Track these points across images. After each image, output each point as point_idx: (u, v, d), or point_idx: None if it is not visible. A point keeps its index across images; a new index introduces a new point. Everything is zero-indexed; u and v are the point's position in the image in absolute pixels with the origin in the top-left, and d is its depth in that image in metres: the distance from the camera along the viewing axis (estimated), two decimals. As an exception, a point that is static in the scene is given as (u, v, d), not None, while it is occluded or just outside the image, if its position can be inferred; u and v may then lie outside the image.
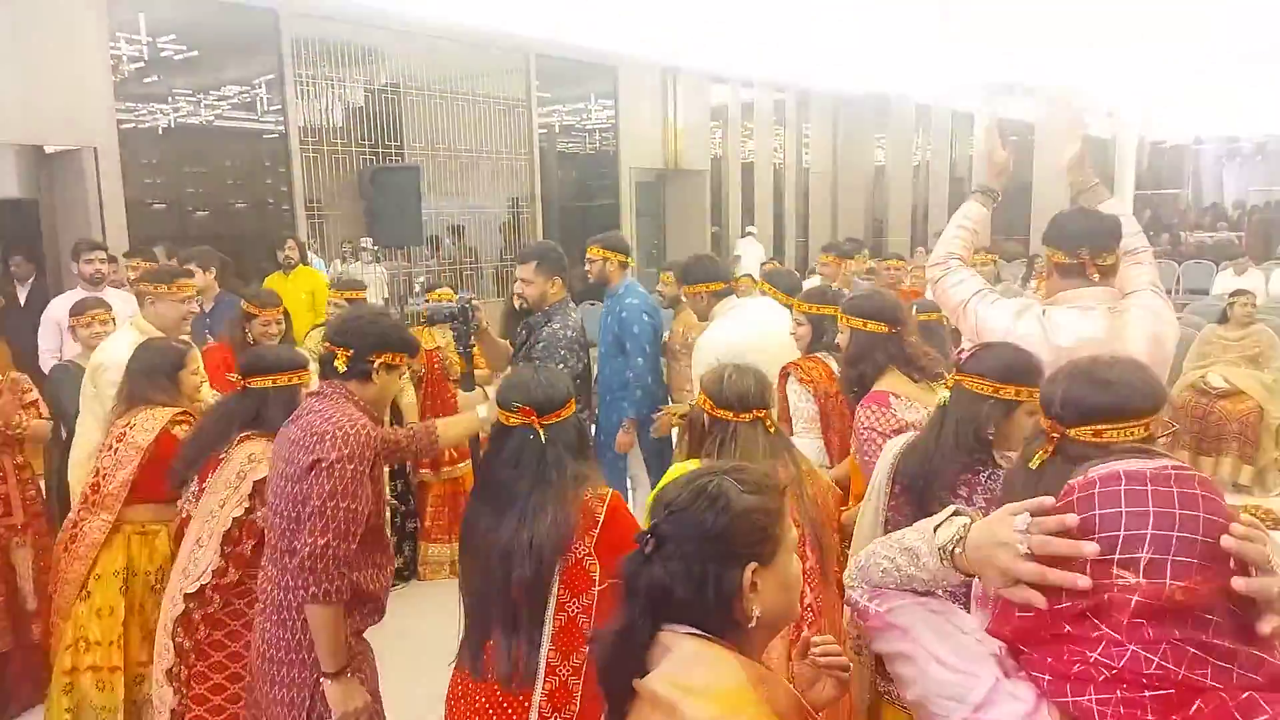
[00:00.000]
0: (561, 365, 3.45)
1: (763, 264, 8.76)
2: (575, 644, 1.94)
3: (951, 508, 1.18)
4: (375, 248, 8.39)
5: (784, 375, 3.06)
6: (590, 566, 1.96)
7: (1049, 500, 1.02)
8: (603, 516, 1.99)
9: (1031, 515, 1.01)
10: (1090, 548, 0.94)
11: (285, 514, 2.05)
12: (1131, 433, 1.49)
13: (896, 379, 2.67)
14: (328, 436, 2.02)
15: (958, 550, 1.09)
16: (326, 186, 8.22)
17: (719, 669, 1.14)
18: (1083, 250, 2.29)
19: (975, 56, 11.22)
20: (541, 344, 3.53)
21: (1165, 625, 0.93)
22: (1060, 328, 2.24)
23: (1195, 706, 0.92)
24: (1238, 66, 13.25)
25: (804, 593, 2.07)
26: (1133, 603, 0.94)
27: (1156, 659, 0.93)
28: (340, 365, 2.16)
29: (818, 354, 3.11)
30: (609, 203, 11.32)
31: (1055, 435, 1.52)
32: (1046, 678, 1.00)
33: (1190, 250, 13.96)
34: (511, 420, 2.03)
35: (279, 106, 7.99)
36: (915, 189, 15.75)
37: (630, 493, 4.41)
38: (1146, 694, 0.93)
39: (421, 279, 8.25)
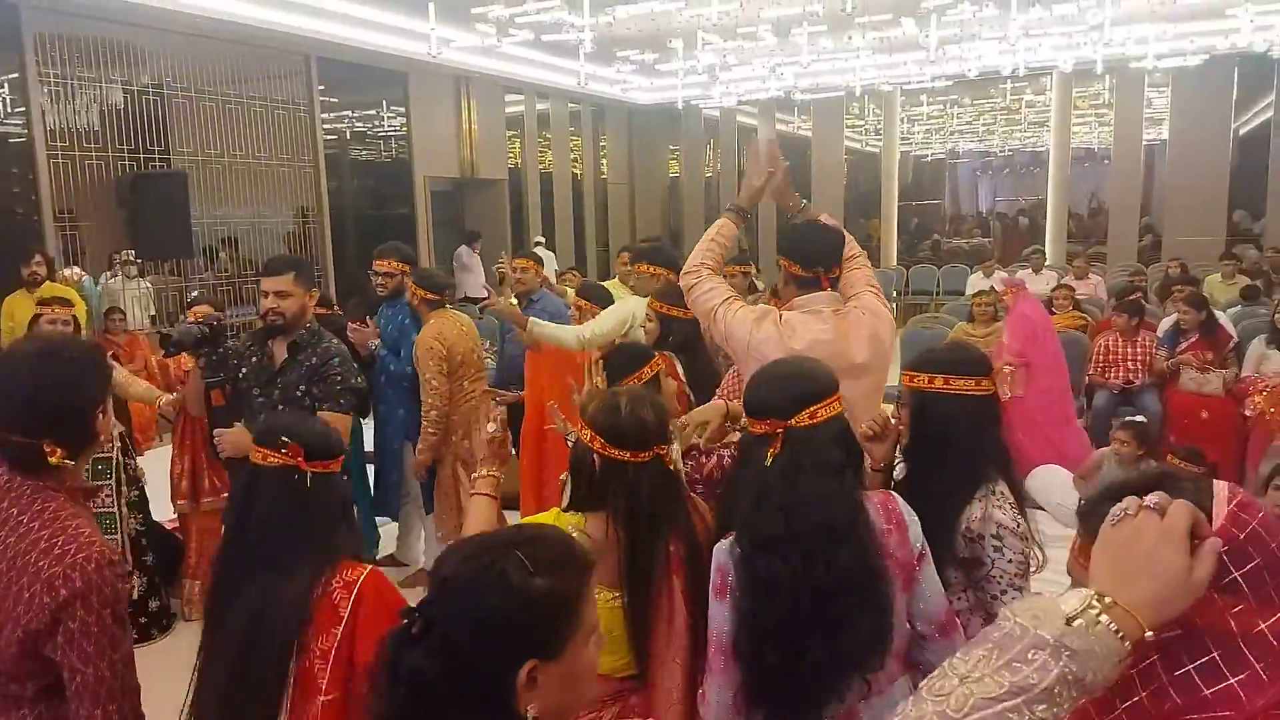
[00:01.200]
0: (358, 381, 3.25)
1: (559, 273, 8.82)
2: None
3: (1036, 598, 0.86)
4: (139, 260, 7.76)
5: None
6: (320, 673, 1.67)
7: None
8: (348, 610, 1.68)
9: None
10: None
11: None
12: (834, 408, 1.67)
13: None
14: (59, 579, 1.45)
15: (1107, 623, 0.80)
16: (80, 195, 7.52)
17: None
18: (818, 268, 2.47)
19: (755, 72, 11.84)
20: (337, 360, 3.15)
21: None
22: (795, 331, 2.41)
23: None
24: (983, 89, 14.74)
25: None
26: None
27: None
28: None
29: (665, 353, 3.21)
30: (404, 212, 11.04)
31: (779, 430, 1.64)
32: None
33: (948, 255, 15.33)
34: (271, 460, 1.76)
35: (23, 109, 7.25)
36: (707, 199, 16.40)
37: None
38: None
39: (195, 294, 7.70)
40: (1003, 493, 1.88)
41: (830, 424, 1.64)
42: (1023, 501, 1.98)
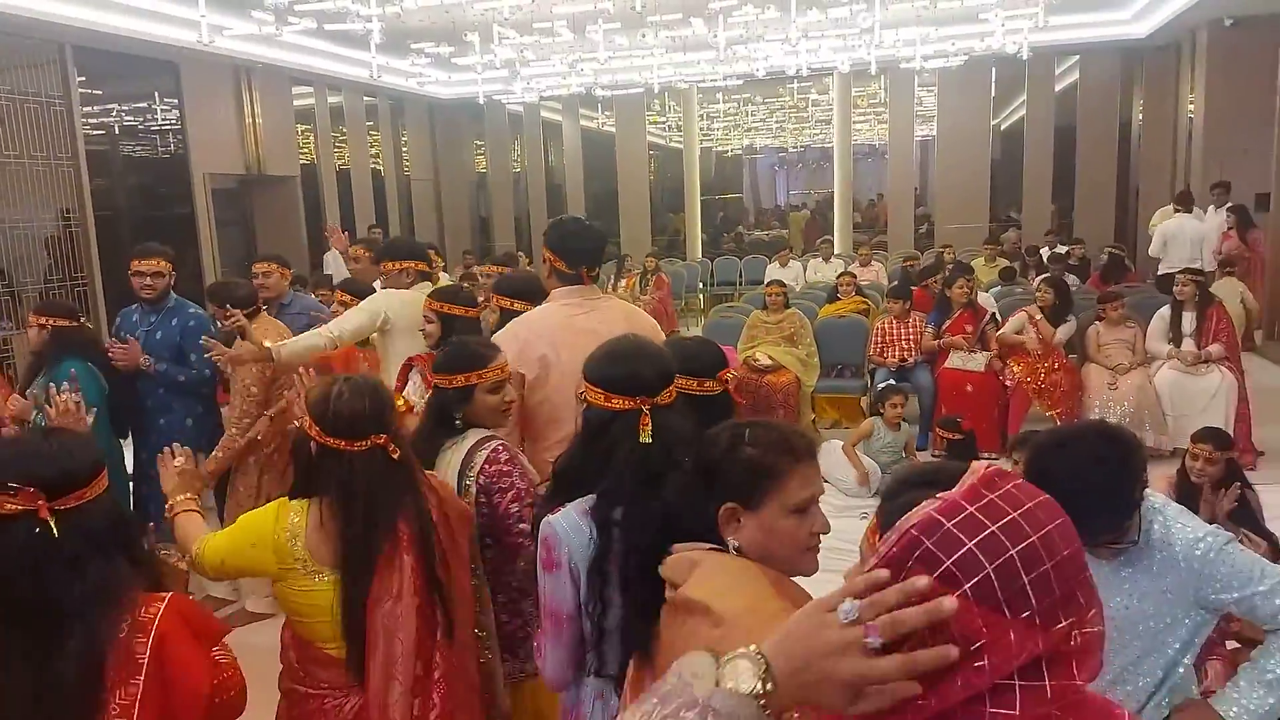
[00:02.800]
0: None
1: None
2: None
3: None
4: None
5: (407, 367, 3.06)
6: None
7: (879, 574, 0.80)
8: (148, 654, 1.45)
9: (856, 597, 0.79)
10: (949, 603, 0.76)
11: None
12: (706, 385, 1.94)
13: None
14: None
15: (768, 690, 0.79)
16: None
17: (744, 574, 1.30)
18: (582, 266, 2.68)
19: (555, 68, 11.86)
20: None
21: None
22: (570, 318, 2.62)
23: None
24: (773, 88, 15.45)
25: (434, 661, 1.87)
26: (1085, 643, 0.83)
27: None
28: None
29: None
30: (184, 212, 10.26)
31: (646, 406, 1.72)
32: None
33: (750, 247, 15.98)
34: (7, 508, 1.43)
35: None
36: (515, 195, 16.29)
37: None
38: None
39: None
40: None
41: (678, 399, 1.81)
42: None
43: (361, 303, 3.79)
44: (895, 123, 14.33)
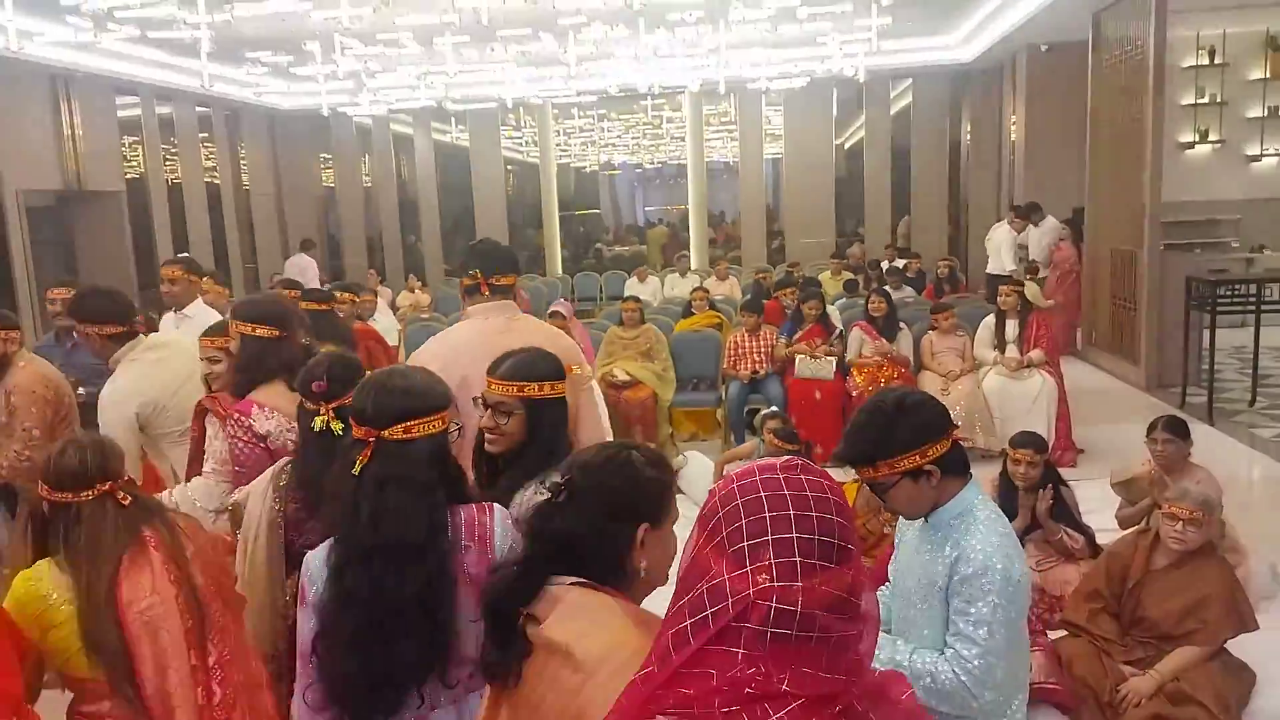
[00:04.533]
0: None
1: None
2: None
3: None
4: None
5: (201, 410, 2.83)
6: None
7: None
8: None
9: None
10: None
11: None
12: (434, 425, 1.75)
13: (274, 390, 2.74)
14: None
15: None
16: None
17: (605, 613, 1.32)
18: (511, 275, 2.80)
19: (403, 80, 11.58)
20: None
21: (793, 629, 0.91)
22: (490, 336, 2.61)
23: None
24: (628, 105, 15.62)
25: (206, 650, 1.95)
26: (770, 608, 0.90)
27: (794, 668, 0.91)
28: None
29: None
30: (-7, 231, 9.40)
31: (371, 439, 1.72)
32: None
33: (610, 263, 16.06)
34: None
35: None
36: (367, 210, 15.77)
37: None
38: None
39: None
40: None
41: (426, 441, 1.72)
42: None
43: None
44: (745, 141, 14.75)
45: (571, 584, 1.36)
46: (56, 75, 9.82)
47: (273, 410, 2.67)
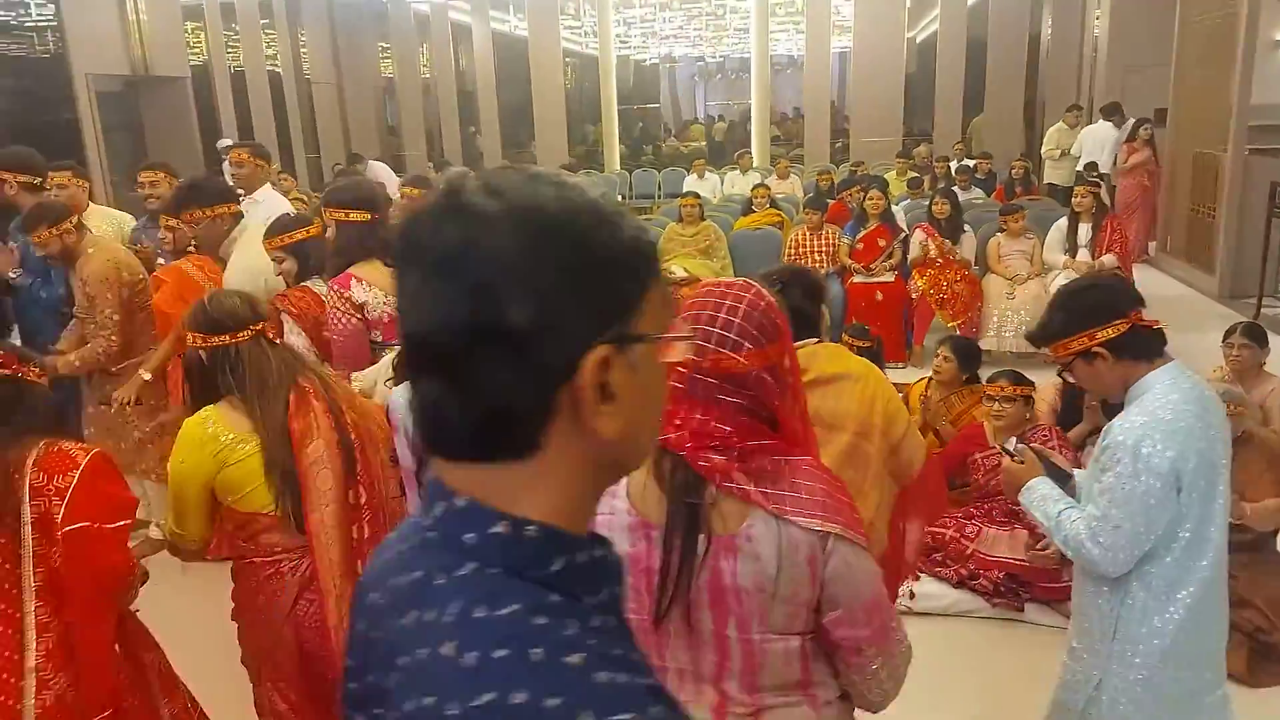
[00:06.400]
0: None
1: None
2: (64, 599, 1.75)
3: None
4: None
5: (274, 309, 2.95)
6: (55, 509, 1.74)
7: None
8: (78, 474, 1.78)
9: None
10: None
11: None
12: None
13: (372, 266, 2.87)
14: None
15: None
16: None
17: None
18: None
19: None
20: None
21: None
22: None
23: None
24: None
25: (358, 493, 2.10)
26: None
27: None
28: None
29: (307, 283, 3.05)
30: (67, 117, 9.58)
31: None
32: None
33: (668, 159, 15.83)
34: None
35: None
36: (426, 103, 15.67)
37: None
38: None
39: None
40: None
41: None
42: None
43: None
44: (812, 33, 14.20)
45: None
46: (118, -43, 9.81)
47: (370, 284, 2.83)
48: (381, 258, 2.83)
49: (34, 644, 1.72)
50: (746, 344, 1.28)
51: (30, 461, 1.75)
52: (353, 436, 2.09)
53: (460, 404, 0.62)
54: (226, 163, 4.74)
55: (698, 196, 7.36)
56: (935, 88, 13.93)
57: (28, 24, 9.65)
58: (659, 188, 13.46)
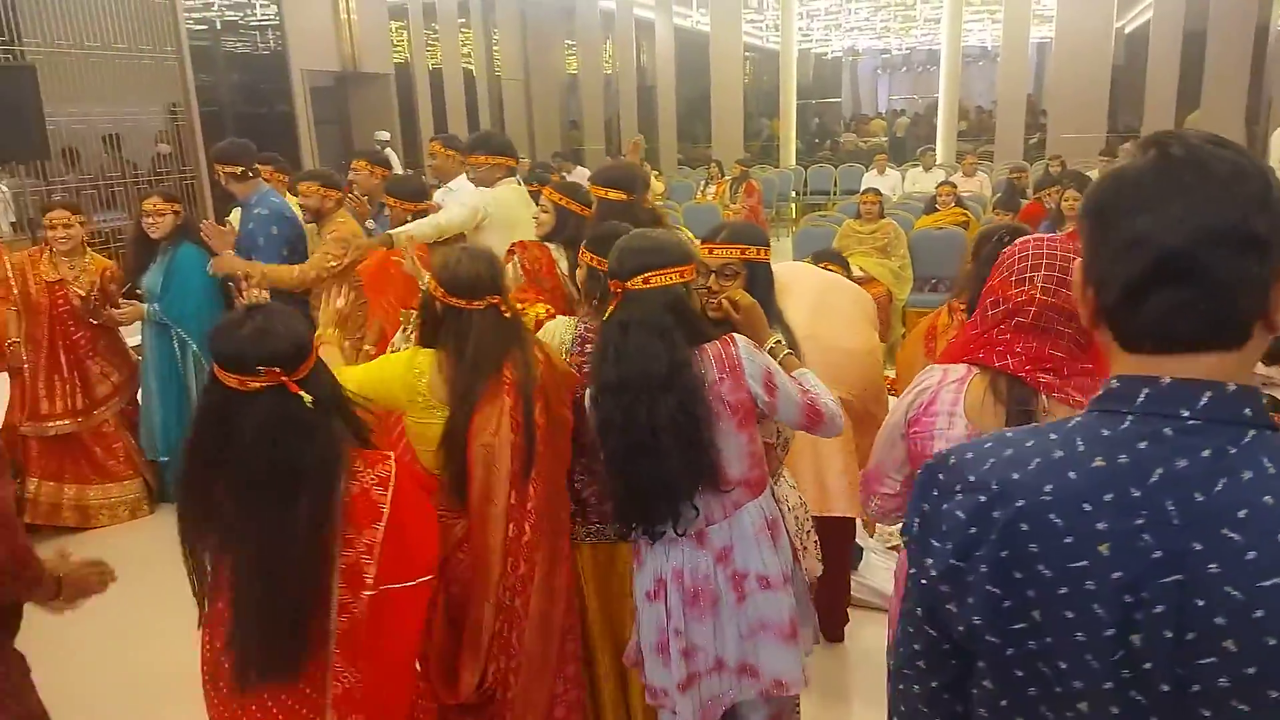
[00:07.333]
0: None
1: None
2: (360, 650, 1.66)
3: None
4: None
5: (510, 253, 3.17)
6: (365, 567, 1.63)
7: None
8: (388, 504, 1.65)
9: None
10: None
11: None
12: (669, 277, 1.92)
13: None
14: None
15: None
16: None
17: None
18: None
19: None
20: None
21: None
22: None
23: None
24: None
25: (526, 494, 2.07)
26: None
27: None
28: None
29: (549, 243, 3.19)
30: (284, 110, 10.46)
31: (619, 291, 1.94)
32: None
33: (847, 155, 15.46)
34: (251, 385, 1.57)
35: None
36: (607, 98, 16.01)
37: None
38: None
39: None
40: None
41: (662, 291, 1.91)
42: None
43: (463, 197, 3.82)
44: (1010, 22, 13.45)
45: None
46: (336, -38, 10.58)
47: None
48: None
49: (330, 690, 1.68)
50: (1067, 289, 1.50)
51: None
52: (539, 433, 2.07)
53: (1212, 304, 0.78)
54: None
55: (878, 193, 7.12)
56: (1145, 82, 12.90)
57: (252, 22, 10.60)
58: (835, 184, 13.18)
